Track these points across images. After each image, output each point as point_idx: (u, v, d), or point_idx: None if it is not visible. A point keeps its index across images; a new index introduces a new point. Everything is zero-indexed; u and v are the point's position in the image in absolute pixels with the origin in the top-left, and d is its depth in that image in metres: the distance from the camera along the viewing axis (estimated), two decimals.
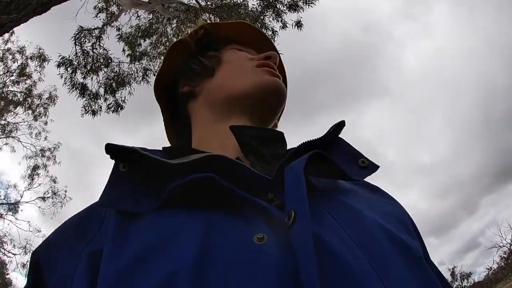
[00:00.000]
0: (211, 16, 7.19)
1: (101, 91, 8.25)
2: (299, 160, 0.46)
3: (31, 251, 0.48)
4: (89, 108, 8.30)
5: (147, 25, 7.86)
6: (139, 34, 7.82)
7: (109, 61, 8.05)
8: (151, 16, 7.96)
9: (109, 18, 8.19)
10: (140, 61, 8.11)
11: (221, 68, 0.67)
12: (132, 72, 8.20)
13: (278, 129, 0.73)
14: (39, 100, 11.14)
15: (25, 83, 11.24)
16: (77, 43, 8.09)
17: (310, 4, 7.11)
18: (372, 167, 0.54)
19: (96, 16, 8.17)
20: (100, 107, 8.32)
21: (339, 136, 0.57)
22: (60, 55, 8.12)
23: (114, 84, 8.21)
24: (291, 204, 0.40)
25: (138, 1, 7.49)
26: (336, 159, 0.50)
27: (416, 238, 0.52)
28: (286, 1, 7.19)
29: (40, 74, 10.78)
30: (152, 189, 0.45)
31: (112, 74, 8.22)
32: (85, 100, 8.28)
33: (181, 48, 0.73)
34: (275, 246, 0.38)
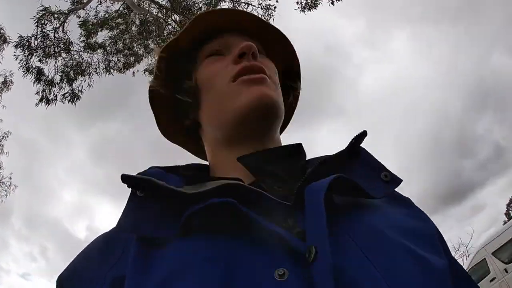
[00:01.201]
0: (180, 17, 7.05)
1: (57, 78, 7.86)
2: (319, 185, 0.44)
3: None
4: (44, 95, 7.89)
5: (111, 17, 7.57)
6: (100, 23, 7.51)
7: (69, 47, 7.69)
8: (119, 8, 7.69)
9: (76, 4, 7.85)
10: (95, 52, 7.76)
11: (202, 97, 0.62)
12: (94, 63, 7.88)
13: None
14: None
15: None
16: (38, 24, 7.71)
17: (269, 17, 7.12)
18: (395, 181, 0.52)
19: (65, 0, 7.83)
20: (56, 96, 7.93)
21: (361, 146, 0.55)
22: (19, 35, 7.70)
23: (72, 73, 7.84)
24: (312, 238, 0.40)
25: None
26: (358, 176, 0.50)
27: (444, 257, 0.49)
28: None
29: None
30: (171, 214, 0.45)
31: (71, 61, 7.86)
32: (40, 86, 7.88)
33: (158, 98, 0.68)
34: (295, 284, 0.37)
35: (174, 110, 0.67)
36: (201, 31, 0.64)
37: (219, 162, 0.60)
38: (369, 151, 0.55)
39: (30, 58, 7.76)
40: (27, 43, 7.64)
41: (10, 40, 9.23)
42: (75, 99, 7.87)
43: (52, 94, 7.90)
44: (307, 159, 0.59)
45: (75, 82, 7.86)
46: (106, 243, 0.50)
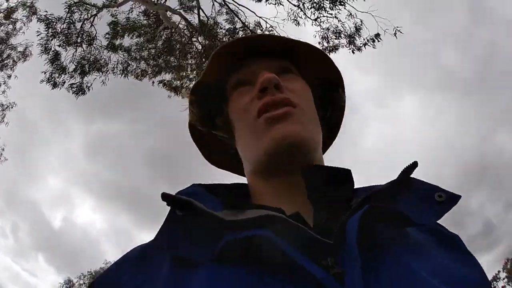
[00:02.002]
0: (204, 40, 7.04)
1: (71, 68, 7.81)
2: (352, 219, 0.43)
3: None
4: (52, 79, 7.82)
5: (140, 24, 7.62)
6: (128, 28, 7.54)
7: (92, 41, 7.68)
8: (149, 17, 7.74)
9: (111, 1, 7.93)
10: (116, 53, 7.75)
11: (235, 131, 0.63)
12: (113, 63, 7.84)
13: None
14: (12, 51, 10.48)
15: (7, 28, 10.65)
16: (69, 11, 7.76)
17: None
18: (452, 199, 0.49)
19: None
20: (64, 82, 7.85)
21: (412, 176, 0.53)
22: (47, 12, 7.73)
23: (87, 66, 7.79)
24: (350, 283, 0.38)
25: None
26: (409, 206, 0.48)
27: None
28: None
29: (24, 25, 10.21)
30: (208, 238, 0.44)
31: (90, 55, 7.82)
32: (52, 69, 7.83)
33: (198, 134, 0.70)
34: None
35: (216, 143, 0.69)
36: (224, 62, 0.64)
37: (258, 189, 0.59)
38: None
39: (51, 40, 7.76)
40: (53, 24, 7.65)
41: (40, 13, 9.35)
42: (80, 93, 7.77)
43: (61, 79, 7.83)
44: (354, 187, 0.57)
45: (87, 76, 7.79)
46: (144, 255, 0.50)
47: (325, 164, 0.61)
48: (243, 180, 0.66)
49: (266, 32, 7.29)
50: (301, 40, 0.64)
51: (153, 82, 7.82)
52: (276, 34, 7.21)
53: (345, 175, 0.57)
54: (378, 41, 7.25)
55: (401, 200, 0.50)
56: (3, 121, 11.26)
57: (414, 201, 0.50)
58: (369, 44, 7.33)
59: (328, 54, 0.68)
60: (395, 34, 7.11)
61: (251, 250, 0.42)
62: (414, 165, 0.52)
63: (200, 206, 0.46)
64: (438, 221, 0.51)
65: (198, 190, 0.54)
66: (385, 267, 0.43)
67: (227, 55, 0.63)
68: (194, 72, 7.47)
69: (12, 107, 11.39)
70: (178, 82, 7.74)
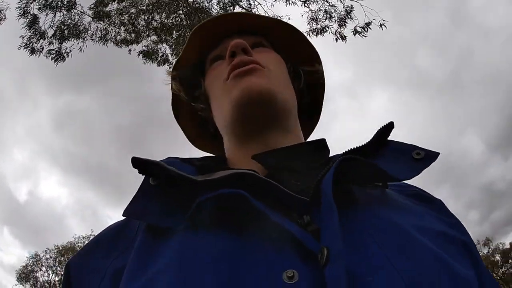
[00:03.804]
0: (189, 10, 6.91)
1: (50, 32, 7.56)
2: (328, 175, 0.42)
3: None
4: (30, 45, 7.55)
5: None
6: None
7: (72, 7, 7.44)
8: None
9: None
10: (100, 21, 7.54)
11: (211, 102, 0.65)
12: (92, 29, 7.61)
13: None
14: None
15: None
16: None
17: None
18: (430, 157, 0.48)
19: None
20: (42, 48, 7.60)
21: (388, 139, 0.53)
22: None
23: (66, 31, 7.55)
24: (325, 238, 0.37)
25: None
26: (380, 161, 0.47)
27: (473, 267, 0.45)
28: None
29: None
30: (180, 205, 0.44)
31: (70, 21, 7.58)
32: (31, 33, 7.56)
33: (182, 115, 0.73)
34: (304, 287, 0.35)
35: (198, 122, 0.71)
36: (203, 41, 0.66)
37: (235, 158, 0.59)
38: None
39: (31, 3, 7.47)
40: None
41: None
42: (59, 59, 7.55)
43: (39, 45, 7.58)
44: (331, 155, 0.57)
45: (66, 42, 7.56)
46: (116, 233, 0.50)
47: (302, 135, 0.62)
48: None
49: (254, 10, 7.24)
50: (279, 18, 0.69)
51: (129, 50, 7.64)
52: (257, 12, 7.19)
53: (320, 143, 0.57)
54: (367, 31, 7.28)
55: (378, 158, 0.49)
56: None
57: (391, 159, 0.49)
58: (361, 33, 7.30)
59: (303, 33, 0.69)
60: (381, 26, 7.14)
61: (223, 211, 0.41)
62: (390, 125, 0.52)
63: (172, 168, 0.45)
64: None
65: (172, 160, 0.53)
66: (364, 223, 0.42)
67: (206, 33, 0.66)
68: (174, 37, 7.32)
69: None
70: (156, 46, 7.58)
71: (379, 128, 0.51)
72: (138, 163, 0.47)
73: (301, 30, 0.69)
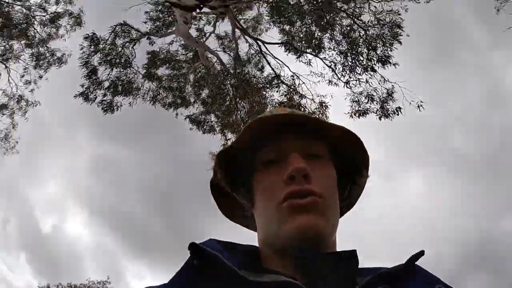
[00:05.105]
0: (236, 83, 7.29)
1: (106, 84, 8.15)
2: None
3: None
4: (86, 92, 8.14)
5: (177, 59, 7.96)
6: (165, 60, 7.88)
7: (129, 65, 8.04)
8: (187, 53, 8.11)
9: (154, 31, 8.34)
10: (151, 82, 8.08)
11: (256, 203, 0.67)
12: (145, 89, 8.15)
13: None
14: (49, 54, 10.90)
15: (50, 30, 11.11)
16: (113, 32, 8.16)
17: None
18: None
19: (144, 22, 8.33)
20: (95, 97, 8.17)
21: (416, 264, 0.58)
22: (93, 32, 8.14)
23: (120, 87, 8.12)
24: None
25: (189, 35, 7.68)
26: None
27: None
28: None
29: (67, 33, 10.68)
30: None
31: (125, 77, 8.16)
32: (88, 82, 8.16)
33: (218, 190, 0.74)
34: None
35: (234, 201, 0.73)
36: (257, 135, 0.66)
37: (269, 255, 0.63)
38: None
39: (93, 55, 8.14)
40: (96, 40, 8.04)
41: (83, 26, 9.79)
42: (109, 110, 8.06)
43: (94, 94, 8.15)
44: (360, 267, 0.60)
45: (118, 96, 8.11)
46: None
47: (336, 239, 0.65)
48: (249, 234, 0.74)
49: (298, 89, 7.56)
50: (333, 123, 0.68)
51: (176, 114, 8.11)
52: (308, 110, 7.38)
53: (350, 255, 0.60)
54: (400, 113, 7.43)
55: (405, 284, 0.54)
56: (25, 115, 11.63)
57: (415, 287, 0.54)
58: (398, 112, 7.42)
59: (359, 137, 0.69)
60: (418, 107, 7.31)
61: None
62: (421, 253, 0.58)
63: (227, 263, 0.51)
64: None
65: (217, 246, 0.58)
66: None
67: (261, 128, 0.66)
68: (222, 110, 7.70)
69: (35, 105, 11.77)
70: (203, 117, 8.01)
71: (411, 256, 0.57)
72: (194, 247, 0.54)
73: (360, 138, 0.69)
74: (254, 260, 0.62)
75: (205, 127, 7.81)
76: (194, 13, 7.64)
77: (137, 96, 8.03)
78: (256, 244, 0.68)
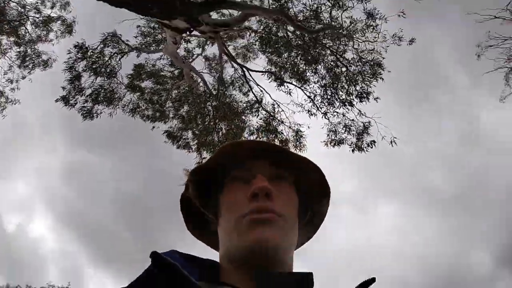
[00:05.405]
0: (217, 104, 7.43)
1: (88, 92, 8.15)
2: None
3: None
4: (67, 96, 8.12)
5: (162, 74, 8.07)
6: (150, 74, 7.98)
7: (113, 76, 8.10)
8: (173, 70, 8.25)
9: (143, 46, 8.49)
10: (133, 92, 8.13)
11: (220, 218, 0.71)
12: (126, 100, 8.20)
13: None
14: (35, 56, 10.86)
15: (40, 32, 11.12)
16: (102, 43, 8.26)
17: None
18: None
19: (135, 37, 8.48)
20: (76, 103, 8.15)
21: None
22: (83, 40, 8.21)
23: (102, 96, 8.14)
24: None
25: (177, 55, 7.84)
26: None
27: None
28: None
29: (56, 38, 10.70)
30: None
31: (108, 87, 8.20)
32: (70, 87, 8.15)
33: (186, 206, 0.78)
34: None
35: (200, 217, 0.77)
36: (229, 158, 0.72)
37: (228, 269, 0.66)
38: None
39: (79, 62, 8.17)
40: (85, 49, 8.10)
41: (74, 34, 9.85)
42: (88, 117, 8.04)
43: (75, 100, 8.13)
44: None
45: (98, 104, 8.11)
46: None
47: (293, 262, 0.69)
48: (212, 252, 0.77)
49: (277, 116, 7.74)
50: (300, 155, 0.75)
51: (153, 127, 8.15)
52: (278, 141, 7.54)
53: (307, 277, 0.63)
54: (373, 146, 7.63)
55: None
56: (2, 112, 11.42)
57: None
58: (371, 146, 7.61)
59: (321, 169, 0.75)
60: (391, 143, 7.50)
61: None
62: (372, 280, 0.62)
63: (185, 273, 0.54)
64: None
65: (177, 258, 0.61)
66: None
67: (234, 151, 0.73)
68: (200, 129, 7.78)
69: (15, 103, 11.59)
70: (180, 132, 8.05)
71: (361, 282, 0.62)
72: (156, 257, 0.56)
73: (323, 171, 0.76)
74: (213, 273, 0.66)
75: (180, 142, 7.86)
76: (184, 35, 7.83)
77: (117, 107, 8.04)
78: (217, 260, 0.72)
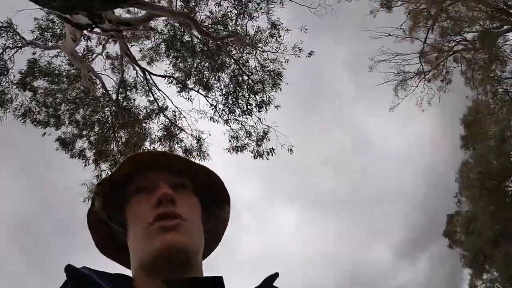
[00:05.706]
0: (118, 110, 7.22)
1: None
2: None
3: None
4: None
5: (58, 73, 7.71)
6: (45, 72, 7.56)
7: (4, 73, 7.57)
8: (70, 70, 7.92)
9: (40, 41, 7.99)
10: (25, 91, 7.68)
11: (129, 229, 0.73)
12: (18, 103, 7.72)
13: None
14: None
15: None
16: None
17: None
18: None
19: (32, 31, 7.93)
20: None
21: (274, 285, 0.67)
22: None
23: None
24: None
25: (75, 53, 7.50)
26: None
27: None
28: None
29: None
30: None
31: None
32: None
33: (95, 222, 0.78)
34: None
35: (109, 232, 0.78)
36: (132, 168, 0.76)
37: (140, 278, 0.69)
38: None
39: None
40: None
41: None
42: None
43: None
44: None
45: None
46: None
47: (203, 268, 0.73)
48: (121, 269, 0.78)
49: (179, 122, 7.81)
50: (200, 164, 0.80)
51: (44, 133, 7.73)
52: (180, 152, 7.52)
53: (217, 280, 0.65)
54: (273, 153, 8.10)
55: None
56: None
57: None
58: (271, 153, 8.08)
59: (220, 176, 0.81)
60: (289, 150, 7.97)
61: None
62: (276, 275, 0.67)
63: (100, 282, 0.58)
64: None
65: (89, 274, 0.63)
66: None
67: (136, 163, 0.76)
68: (97, 137, 7.59)
69: None
70: (74, 139, 7.79)
71: (266, 277, 0.67)
72: (71, 271, 0.60)
73: (220, 177, 0.81)
74: (126, 285, 0.69)
75: (74, 150, 7.61)
76: (85, 32, 7.52)
77: (8, 110, 7.56)
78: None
